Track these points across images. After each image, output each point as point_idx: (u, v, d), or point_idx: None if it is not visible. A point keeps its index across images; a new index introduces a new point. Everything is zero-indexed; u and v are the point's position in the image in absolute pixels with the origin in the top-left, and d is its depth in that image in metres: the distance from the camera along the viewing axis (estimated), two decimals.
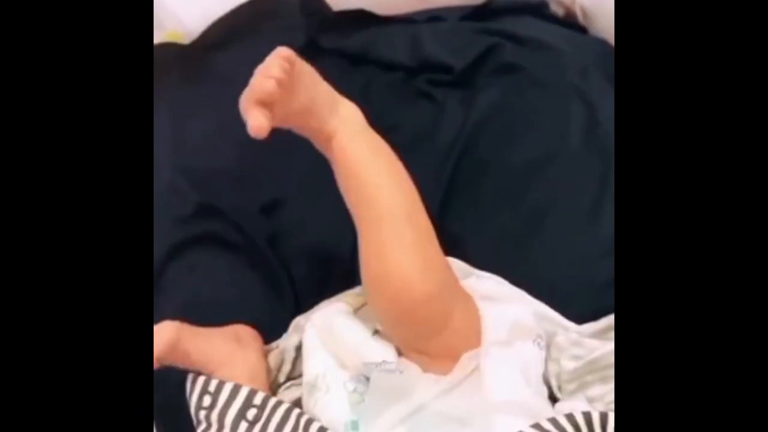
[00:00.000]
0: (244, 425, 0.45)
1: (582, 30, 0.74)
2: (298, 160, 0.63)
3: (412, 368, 0.46)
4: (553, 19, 0.74)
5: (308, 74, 0.49)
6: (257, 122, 0.45)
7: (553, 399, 0.48)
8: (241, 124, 0.66)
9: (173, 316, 0.56)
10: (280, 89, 0.44)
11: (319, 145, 0.50)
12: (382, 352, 0.47)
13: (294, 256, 0.60)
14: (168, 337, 0.47)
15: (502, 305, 0.49)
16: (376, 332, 0.49)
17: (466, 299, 0.48)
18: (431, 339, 0.45)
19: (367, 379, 0.46)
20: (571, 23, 0.74)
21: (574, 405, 0.45)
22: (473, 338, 0.46)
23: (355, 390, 0.47)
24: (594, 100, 0.62)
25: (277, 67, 0.45)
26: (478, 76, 0.67)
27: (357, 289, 0.53)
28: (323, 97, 0.49)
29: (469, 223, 0.60)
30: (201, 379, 0.47)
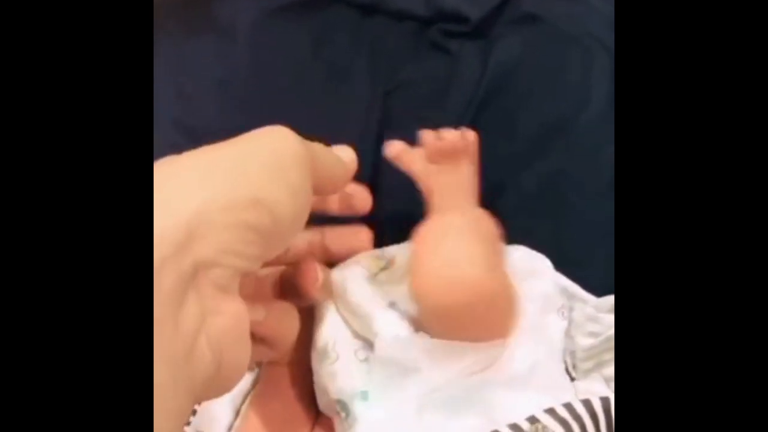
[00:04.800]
0: None
1: None
2: (302, 122, 0.60)
3: (425, 343, 0.43)
4: None
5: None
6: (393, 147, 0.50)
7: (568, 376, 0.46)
8: (240, 78, 0.63)
9: None
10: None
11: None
12: (396, 325, 0.44)
13: None
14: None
15: (531, 280, 0.47)
16: (392, 304, 0.46)
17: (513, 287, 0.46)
18: (490, 329, 0.43)
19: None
20: None
21: (591, 387, 0.43)
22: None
23: (366, 359, 0.45)
24: None
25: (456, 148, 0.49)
26: (495, 27, 0.63)
27: (373, 252, 0.50)
28: None
29: (484, 187, 0.57)
30: None
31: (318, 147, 0.40)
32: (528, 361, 0.42)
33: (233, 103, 0.62)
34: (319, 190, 0.39)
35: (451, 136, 0.49)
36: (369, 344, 0.45)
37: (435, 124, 0.60)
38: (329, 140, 0.60)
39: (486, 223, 0.47)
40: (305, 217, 0.37)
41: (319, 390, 0.45)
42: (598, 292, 0.49)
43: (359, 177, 0.58)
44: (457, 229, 0.45)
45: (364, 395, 0.43)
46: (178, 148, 0.60)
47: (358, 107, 0.61)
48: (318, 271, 0.43)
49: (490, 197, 0.56)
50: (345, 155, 0.45)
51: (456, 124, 0.59)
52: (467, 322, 0.42)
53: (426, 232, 0.45)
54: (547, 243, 0.52)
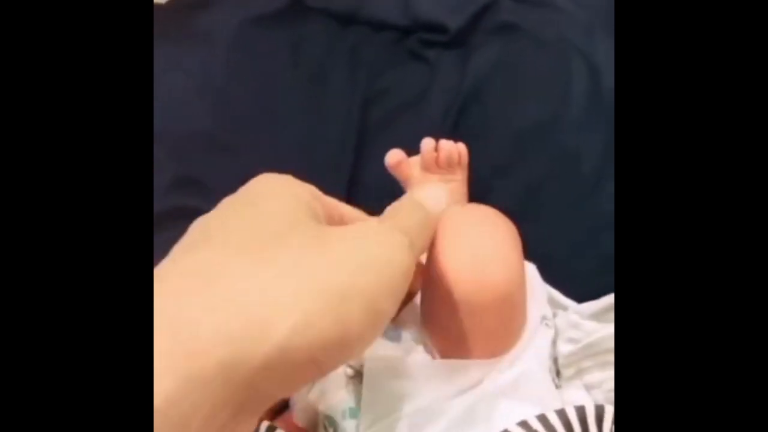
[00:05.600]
0: None
1: None
2: (281, 130, 0.60)
3: (421, 361, 0.41)
4: None
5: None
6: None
7: None
8: (219, 87, 0.63)
9: None
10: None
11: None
12: (388, 347, 0.42)
13: None
14: None
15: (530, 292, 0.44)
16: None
17: None
18: (502, 340, 0.40)
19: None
20: None
21: (571, 396, 0.42)
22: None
23: (354, 375, 0.43)
24: (598, 61, 0.58)
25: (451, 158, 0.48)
26: (474, 37, 0.63)
27: None
28: None
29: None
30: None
31: (418, 234, 0.32)
32: (518, 371, 0.40)
33: (209, 110, 0.62)
34: None
35: (448, 146, 0.49)
36: (356, 361, 0.43)
37: (414, 133, 0.60)
38: (307, 150, 0.60)
39: (507, 220, 0.42)
40: None
41: (301, 403, 0.44)
42: (579, 297, 0.49)
43: (337, 185, 0.57)
44: (486, 220, 0.40)
45: (353, 412, 0.41)
46: (154, 157, 0.59)
47: (337, 115, 0.61)
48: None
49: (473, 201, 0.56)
50: (434, 198, 0.38)
51: (435, 132, 0.59)
52: (487, 324, 0.39)
53: (453, 218, 0.39)
54: (526, 248, 0.52)
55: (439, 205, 0.37)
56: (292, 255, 0.26)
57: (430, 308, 0.40)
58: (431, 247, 0.39)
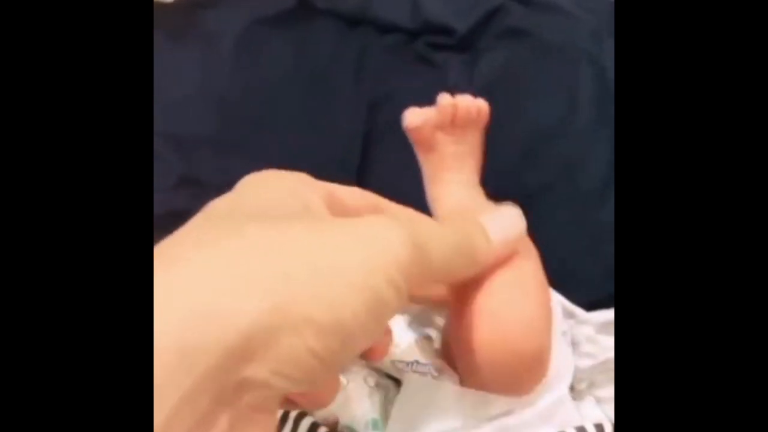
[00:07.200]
0: None
1: None
2: (285, 133, 0.60)
3: (448, 383, 0.39)
4: None
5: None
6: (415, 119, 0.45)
7: None
8: (224, 87, 0.63)
9: None
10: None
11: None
12: (425, 366, 0.41)
13: None
14: None
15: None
16: (427, 337, 0.43)
17: None
18: (531, 385, 0.38)
19: (390, 377, 0.42)
20: None
21: (585, 412, 0.41)
22: None
23: (376, 385, 0.42)
24: (607, 66, 0.58)
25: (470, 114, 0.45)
26: (482, 40, 0.63)
27: None
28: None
29: None
30: None
31: (432, 239, 0.29)
32: (549, 401, 0.39)
33: (215, 110, 0.61)
34: (425, 287, 0.31)
35: (466, 102, 0.46)
36: (378, 370, 0.42)
37: None
38: (313, 153, 0.60)
39: (535, 266, 0.40)
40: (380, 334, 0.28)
41: (318, 413, 0.43)
42: (584, 304, 0.49)
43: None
44: (513, 285, 0.36)
45: (375, 423, 0.40)
46: (162, 157, 0.59)
47: (343, 119, 0.61)
48: (390, 344, 0.34)
49: None
50: (496, 225, 0.34)
51: None
52: (514, 381, 0.37)
53: (477, 285, 0.35)
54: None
55: (503, 232, 0.33)
56: (265, 236, 0.24)
57: (458, 349, 0.38)
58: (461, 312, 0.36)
